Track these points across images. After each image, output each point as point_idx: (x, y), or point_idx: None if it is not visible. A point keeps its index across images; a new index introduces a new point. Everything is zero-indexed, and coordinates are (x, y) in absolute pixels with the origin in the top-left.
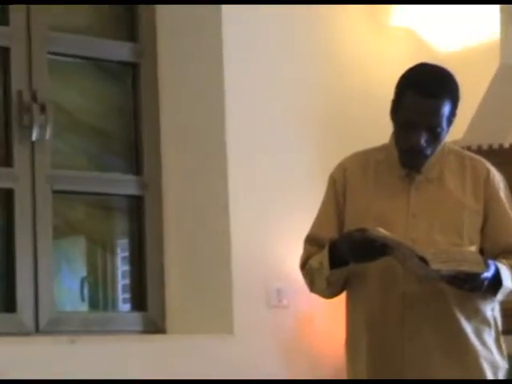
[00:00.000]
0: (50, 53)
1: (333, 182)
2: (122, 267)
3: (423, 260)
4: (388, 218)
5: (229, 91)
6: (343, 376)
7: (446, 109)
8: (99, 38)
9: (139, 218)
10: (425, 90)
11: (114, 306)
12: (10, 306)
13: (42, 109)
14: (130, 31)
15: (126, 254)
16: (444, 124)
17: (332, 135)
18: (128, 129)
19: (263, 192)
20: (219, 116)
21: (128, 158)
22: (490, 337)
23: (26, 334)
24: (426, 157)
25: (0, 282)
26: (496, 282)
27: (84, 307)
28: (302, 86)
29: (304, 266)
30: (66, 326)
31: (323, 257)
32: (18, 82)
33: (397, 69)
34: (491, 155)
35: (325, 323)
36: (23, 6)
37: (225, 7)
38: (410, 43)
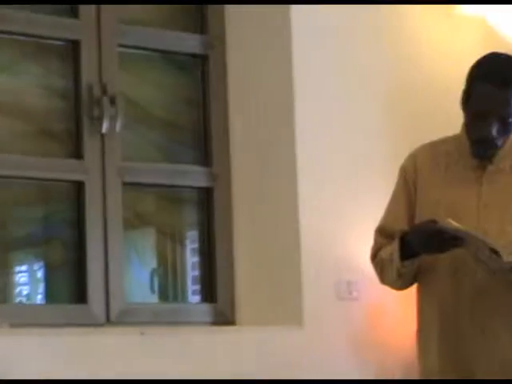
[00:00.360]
0: (119, 45)
1: (403, 172)
2: (191, 259)
3: (495, 252)
4: (459, 208)
5: (298, 82)
6: (414, 368)
7: None
8: (168, 30)
9: (209, 210)
10: (496, 80)
11: (184, 297)
12: (82, 298)
13: (112, 101)
14: (200, 23)
15: (196, 245)
16: None
17: (402, 126)
18: (197, 120)
19: (333, 183)
20: (288, 107)
21: (197, 150)
22: None
23: (97, 325)
24: (498, 147)
25: (71, 274)
26: None
27: (154, 299)
28: (371, 76)
29: (374, 257)
30: (136, 317)
31: (394, 248)
32: (88, 74)
33: (468, 58)
34: None
35: (396, 315)
36: None
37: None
38: (481, 32)
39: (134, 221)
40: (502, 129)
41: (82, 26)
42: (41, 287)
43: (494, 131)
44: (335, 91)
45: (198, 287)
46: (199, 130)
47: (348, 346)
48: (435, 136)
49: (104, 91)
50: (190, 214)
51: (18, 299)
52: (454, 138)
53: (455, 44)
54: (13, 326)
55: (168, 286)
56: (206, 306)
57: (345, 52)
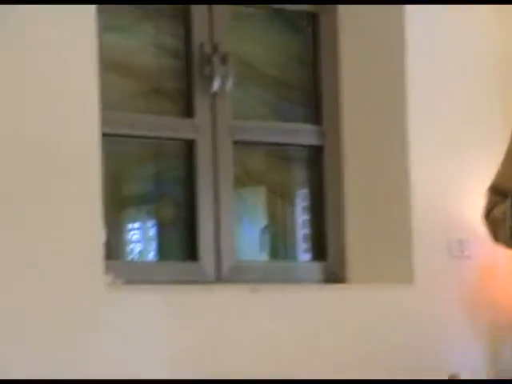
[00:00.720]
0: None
1: None
2: (301, 217)
3: None
4: None
5: (410, 43)
6: None
7: None
8: None
9: (318, 168)
10: None
11: (294, 255)
12: (193, 255)
13: (223, 60)
14: None
15: (306, 203)
16: None
17: None
18: (307, 79)
19: (445, 140)
20: (399, 65)
21: (307, 108)
22: None
23: (208, 282)
24: None
25: (183, 232)
26: None
27: (264, 257)
28: (482, 40)
29: (487, 216)
30: (247, 275)
31: (507, 207)
32: (199, 33)
33: None
34: None
35: (508, 274)
36: None
37: None
38: None
39: (245, 179)
40: None
41: None
42: (153, 245)
43: None
44: (447, 58)
45: (308, 245)
46: (309, 88)
47: (459, 305)
48: None
49: (215, 50)
50: (300, 173)
51: (130, 256)
52: None
53: None
54: (126, 282)
55: (278, 244)
56: (316, 264)
57: (457, 29)
